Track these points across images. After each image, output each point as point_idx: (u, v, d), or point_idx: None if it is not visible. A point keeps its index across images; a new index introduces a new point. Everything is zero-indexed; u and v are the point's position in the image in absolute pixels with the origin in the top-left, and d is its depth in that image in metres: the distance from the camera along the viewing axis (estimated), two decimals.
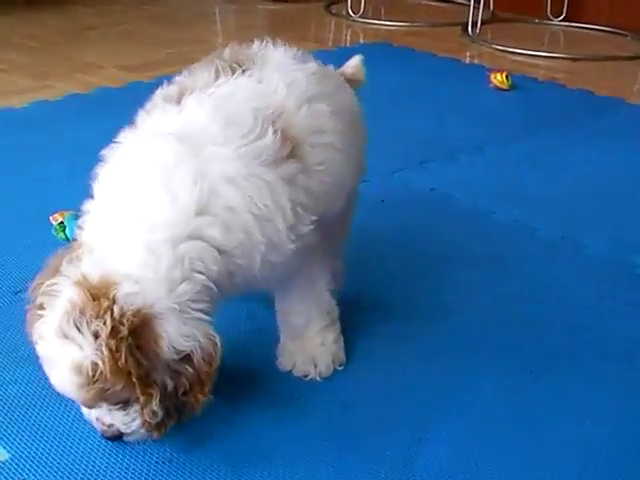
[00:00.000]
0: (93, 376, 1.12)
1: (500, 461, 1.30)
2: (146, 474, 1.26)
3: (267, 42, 1.43)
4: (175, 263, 1.16)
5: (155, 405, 1.15)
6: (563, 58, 3.54)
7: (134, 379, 1.13)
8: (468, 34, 3.81)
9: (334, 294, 1.49)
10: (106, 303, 1.12)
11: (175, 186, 1.18)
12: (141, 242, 1.16)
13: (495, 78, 3.04)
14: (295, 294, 1.43)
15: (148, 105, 1.33)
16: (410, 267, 1.85)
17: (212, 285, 1.20)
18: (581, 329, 1.64)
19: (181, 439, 1.30)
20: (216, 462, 1.28)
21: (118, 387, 1.14)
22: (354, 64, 1.63)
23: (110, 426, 1.23)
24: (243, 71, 1.33)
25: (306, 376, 1.46)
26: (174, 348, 1.14)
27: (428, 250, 1.93)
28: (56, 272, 1.18)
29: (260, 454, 1.30)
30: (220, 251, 1.20)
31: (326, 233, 1.39)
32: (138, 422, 1.20)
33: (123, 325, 1.11)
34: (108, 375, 1.11)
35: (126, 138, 1.27)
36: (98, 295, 1.12)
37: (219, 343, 1.18)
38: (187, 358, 1.16)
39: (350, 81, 1.58)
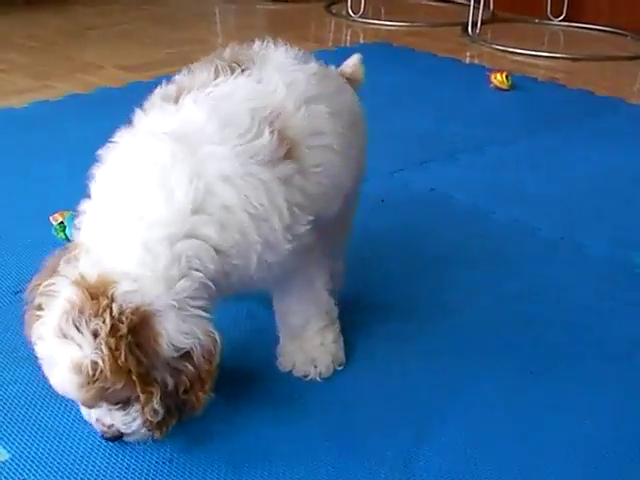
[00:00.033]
0: (93, 375, 1.11)
1: (500, 461, 1.30)
2: (146, 474, 1.26)
3: (268, 42, 1.42)
4: (172, 261, 1.16)
5: (156, 403, 1.15)
6: (563, 58, 3.54)
7: (134, 377, 1.12)
8: (468, 34, 3.81)
9: (333, 294, 1.49)
10: (105, 301, 1.12)
11: (171, 185, 1.18)
12: (138, 241, 1.16)
13: (495, 78, 3.04)
14: (293, 294, 1.42)
15: (146, 104, 1.33)
16: (410, 267, 1.85)
17: (210, 283, 1.20)
18: (581, 329, 1.64)
19: (181, 439, 1.30)
20: (216, 462, 1.28)
21: (118, 386, 1.13)
22: (353, 63, 1.63)
23: (110, 427, 1.22)
24: (242, 71, 1.33)
25: (306, 376, 1.46)
26: (173, 345, 1.14)
27: (428, 250, 1.93)
28: (54, 273, 1.18)
29: (260, 454, 1.30)
30: (216, 250, 1.20)
31: (324, 233, 1.39)
32: (138, 422, 1.20)
33: (122, 323, 1.11)
34: (108, 374, 1.11)
35: (122, 138, 1.27)
36: (97, 294, 1.12)
37: (219, 340, 1.18)
38: (187, 356, 1.16)
39: (349, 80, 1.58)
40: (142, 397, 1.15)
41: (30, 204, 2.06)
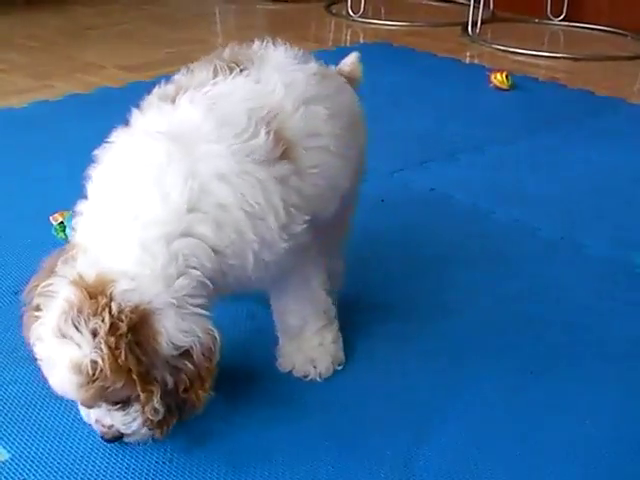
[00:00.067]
0: (93, 374, 1.11)
1: (500, 461, 1.30)
2: (146, 474, 1.26)
3: (267, 42, 1.42)
4: (170, 260, 1.16)
5: (156, 402, 1.15)
6: (563, 58, 3.54)
7: (134, 376, 1.12)
8: (468, 34, 3.81)
9: (332, 293, 1.49)
10: (104, 300, 1.12)
11: (166, 184, 1.18)
12: (135, 240, 1.16)
13: (495, 78, 3.04)
14: (290, 293, 1.42)
15: (143, 104, 1.33)
16: (410, 267, 1.85)
17: (207, 282, 1.20)
18: (581, 329, 1.64)
19: (181, 439, 1.30)
20: (216, 462, 1.28)
21: (118, 385, 1.13)
22: (351, 61, 1.62)
23: (110, 427, 1.22)
24: (241, 71, 1.33)
25: (306, 377, 1.46)
26: (173, 344, 1.14)
27: (428, 250, 1.93)
28: (51, 273, 1.18)
29: (260, 454, 1.30)
30: (213, 249, 1.20)
31: (322, 233, 1.39)
32: (139, 422, 1.20)
33: (122, 322, 1.11)
34: (108, 373, 1.11)
35: (118, 138, 1.27)
36: (95, 293, 1.12)
37: (218, 338, 1.18)
38: (186, 354, 1.16)
39: (348, 79, 1.58)
40: (142, 396, 1.15)
41: (30, 204, 2.06)
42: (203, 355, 1.17)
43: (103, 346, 1.10)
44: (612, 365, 1.53)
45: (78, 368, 1.11)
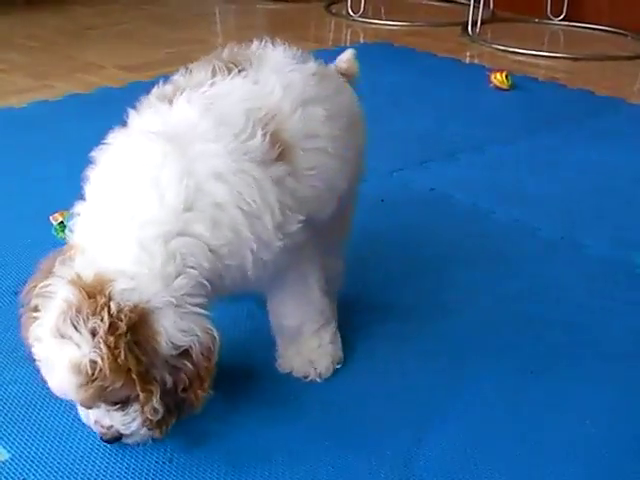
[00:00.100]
0: (92, 374, 1.11)
1: (500, 461, 1.30)
2: (146, 474, 1.26)
3: (266, 42, 1.42)
4: (168, 259, 1.16)
5: (156, 402, 1.15)
6: (563, 58, 3.54)
7: (134, 376, 1.12)
8: (468, 34, 3.81)
9: (329, 294, 1.48)
10: (102, 300, 1.12)
11: (162, 184, 1.18)
12: (133, 240, 1.16)
13: (495, 78, 3.04)
14: (287, 294, 1.41)
15: (140, 104, 1.33)
16: (410, 267, 1.85)
17: (205, 282, 1.20)
18: (581, 329, 1.64)
19: (181, 439, 1.30)
20: (216, 462, 1.28)
21: (118, 385, 1.13)
22: (347, 58, 1.62)
23: (109, 428, 1.22)
24: (239, 71, 1.33)
25: (306, 377, 1.46)
26: (172, 343, 1.14)
27: (428, 250, 1.93)
28: (49, 274, 1.18)
29: (260, 454, 1.30)
30: (210, 249, 1.20)
31: (321, 232, 1.39)
32: (138, 422, 1.20)
33: (121, 321, 1.11)
34: (107, 373, 1.11)
35: (115, 139, 1.27)
36: (94, 293, 1.12)
37: (217, 337, 1.18)
38: (185, 353, 1.16)
39: (345, 75, 1.57)
40: (142, 396, 1.15)
41: (30, 204, 2.06)
42: (202, 355, 1.17)
43: (102, 346, 1.10)
44: (612, 365, 1.53)
45: (77, 368, 1.11)
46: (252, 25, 4.08)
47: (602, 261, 1.89)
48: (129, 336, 1.11)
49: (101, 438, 1.25)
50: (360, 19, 4.05)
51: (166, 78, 1.39)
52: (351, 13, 4.09)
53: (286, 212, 1.26)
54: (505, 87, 3.03)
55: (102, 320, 1.11)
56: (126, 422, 1.20)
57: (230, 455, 1.30)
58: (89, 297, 1.12)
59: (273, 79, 1.33)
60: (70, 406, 1.34)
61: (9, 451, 1.29)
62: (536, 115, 2.85)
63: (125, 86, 2.97)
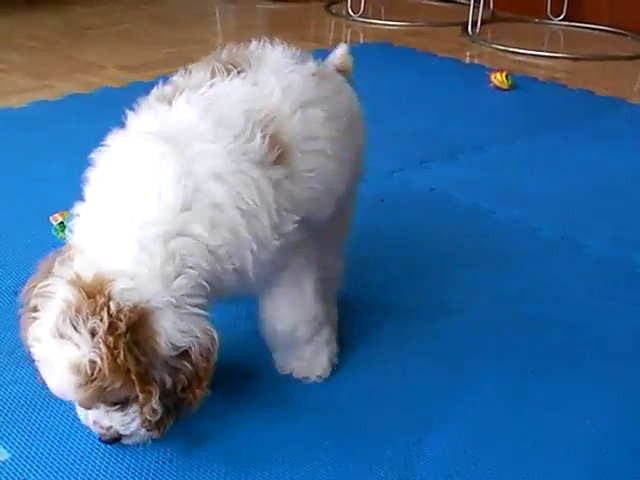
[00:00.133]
0: (91, 374, 1.11)
1: (500, 461, 1.30)
2: (146, 474, 1.26)
3: (265, 42, 1.42)
4: (168, 259, 1.16)
5: (155, 403, 1.15)
6: (563, 58, 3.54)
7: (133, 376, 1.12)
8: (468, 34, 3.81)
9: (327, 297, 1.47)
10: (102, 300, 1.11)
11: (160, 184, 1.18)
12: (132, 240, 1.16)
13: (495, 78, 3.04)
14: (281, 297, 1.38)
15: (139, 105, 1.33)
16: (409, 267, 1.85)
17: (204, 283, 1.20)
18: (581, 329, 1.64)
19: (181, 439, 1.30)
20: (216, 462, 1.28)
21: (117, 385, 1.13)
22: (341, 54, 1.60)
23: (109, 429, 1.22)
24: (238, 72, 1.33)
25: (306, 379, 1.46)
26: (172, 344, 1.14)
27: (428, 250, 1.93)
28: (48, 274, 1.18)
29: (261, 454, 1.30)
30: (209, 250, 1.20)
31: (319, 233, 1.39)
32: (137, 422, 1.20)
33: (121, 321, 1.11)
34: (107, 373, 1.11)
35: (114, 140, 1.27)
36: (93, 293, 1.12)
37: (217, 338, 1.18)
38: (185, 354, 1.16)
39: (339, 71, 1.57)
40: (141, 396, 1.15)
41: (30, 204, 2.06)
42: (201, 355, 1.16)
43: (102, 346, 1.10)
44: (612, 365, 1.53)
45: (77, 368, 1.11)
46: (252, 25, 4.08)
47: (602, 261, 1.89)
48: (128, 336, 1.11)
49: (100, 439, 1.25)
50: (360, 19, 4.05)
51: (166, 78, 1.38)
52: (351, 13, 4.09)
53: (282, 213, 1.26)
54: (505, 87, 3.03)
55: (101, 320, 1.10)
56: (125, 423, 1.20)
57: (230, 455, 1.30)
58: (88, 297, 1.12)
59: (272, 80, 1.32)
60: (70, 406, 1.33)
61: (9, 451, 1.29)
62: (536, 115, 2.85)
63: (125, 86, 2.97)
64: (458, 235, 2.00)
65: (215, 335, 1.18)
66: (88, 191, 1.25)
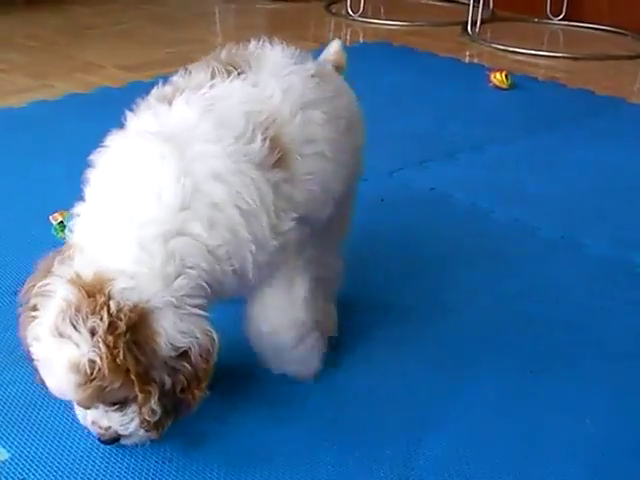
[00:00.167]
0: (91, 374, 1.11)
1: (500, 460, 1.30)
2: (146, 473, 1.26)
3: (264, 42, 1.42)
4: (168, 259, 1.16)
5: (154, 403, 1.15)
6: (563, 57, 3.54)
7: (132, 376, 1.12)
8: (468, 33, 3.81)
9: (325, 296, 1.47)
10: (102, 299, 1.11)
11: (159, 184, 1.18)
12: (132, 239, 1.16)
13: (495, 77, 3.04)
14: (271, 298, 1.34)
15: (139, 106, 1.33)
16: (409, 266, 1.85)
17: (204, 284, 1.20)
18: (581, 328, 1.64)
19: (181, 439, 1.30)
20: (216, 462, 1.28)
21: (116, 385, 1.13)
22: (335, 50, 1.60)
23: (107, 429, 1.22)
24: (238, 74, 1.33)
25: (299, 378, 1.44)
26: (171, 345, 1.14)
27: (427, 249, 1.93)
28: (48, 273, 1.18)
29: (261, 454, 1.30)
30: (208, 250, 1.19)
31: (318, 232, 1.39)
32: (136, 423, 1.20)
33: (121, 320, 1.10)
34: (106, 372, 1.11)
35: (114, 141, 1.27)
36: (93, 292, 1.12)
37: (216, 339, 1.18)
38: (184, 355, 1.16)
39: (335, 68, 1.56)
40: (140, 397, 1.14)
41: (29, 204, 2.06)
42: (201, 356, 1.16)
43: (101, 345, 1.10)
44: (612, 364, 1.53)
45: (76, 367, 1.11)
46: (252, 25, 4.08)
47: (602, 261, 1.89)
48: (128, 336, 1.11)
49: (99, 439, 1.24)
50: (360, 19, 4.05)
51: (166, 78, 1.38)
52: (351, 13, 4.08)
53: (280, 214, 1.26)
54: (505, 87, 3.03)
55: (101, 319, 1.10)
56: (124, 423, 1.20)
57: (230, 455, 1.30)
58: (88, 296, 1.12)
59: (272, 82, 1.32)
60: (70, 406, 1.33)
61: (9, 451, 1.29)
62: (536, 115, 2.85)
63: (125, 86, 2.97)
64: (458, 235, 2.00)
65: (215, 336, 1.18)
66: (88, 191, 1.25)
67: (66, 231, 1.25)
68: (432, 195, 2.21)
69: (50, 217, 1.89)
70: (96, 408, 1.20)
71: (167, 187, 1.18)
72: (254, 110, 1.28)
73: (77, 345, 1.11)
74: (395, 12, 4.16)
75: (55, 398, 1.21)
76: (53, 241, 1.78)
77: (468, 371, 1.51)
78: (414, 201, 2.16)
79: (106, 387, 1.13)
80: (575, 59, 3.51)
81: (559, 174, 2.37)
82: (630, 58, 3.54)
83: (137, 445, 1.26)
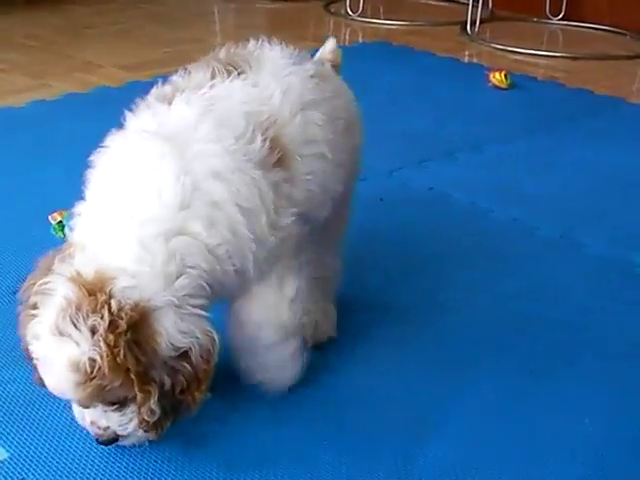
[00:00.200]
0: (91, 373, 1.10)
1: (499, 460, 1.30)
2: (145, 473, 1.26)
3: (263, 42, 1.42)
4: (169, 258, 1.16)
5: (153, 403, 1.15)
6: (562, 57, 3.54)
7: (132, 376, 1.12)
8: (467, 33, 3.81)
9: (322, 296, 1.47)
10: (103, 297, 1.11)
11: (159, 183, 1.18)
12: (133, 238, 1.15)
13: (494, 77, 3.04)
14: (257, 291, 1.31)
15: (139, 105, 1.33)
16: (408, 266, 1.85)
17: (205, 284, 1.20)
18: (580, 328, 1.64)
19: (180, 439, 1.30)
20: (216, 462, 1.28)
21: (116, 384, 1.13)
22: (331, 48, 1.60)
23: (106, 429, 1.21)
24: (238, 74, 1.33)
25: (269, 391, 1.38)
26: (172, 345, 1.14)
27: (426, 249, 1.93)
28: (48, 272, 1.17)
29: (261, 454, 1.30)
30: (208, 249, 1.19)
31: (317, 232, 1.39)
32: (134, 423, 1.19)
33: (122, 319, 1.10)
34: (106, 371, 1.10)
35: (114, 140, 1.27)
36: (94, 290, 1.12)
37: (217, 339, 1.18)
38: (185, 355, 1.15)
39: (332, 66, 1.56)
40: (139, 396, 1.14)
41: (29, 203, 2.06)
42: (201, 357, 1.16)
43: (102, 344, 1.10)
44: (611, 364, 1.54)
45: (76, 366, 1.10)
46: (251, 24, 4.08)
47: (600, 260, 1.89)
48: (129, 335, 1.11)
49: (96, 440, 1.24)
50: (359, 18, 4.05)
51: (165, 78, 1.38)
52: (350, 12, 4.08)
53: (280, 211, 1.26)
54: (504, 86, 3.03)
55: (102, 318, 1.10)
56: (123, 423, 1.20)
57: (229, 455, 1.30)
58: (89, 294, 1.11)
59: (272, 82, 1.32)
60: (69, 405, 1.33)
61: (8, 450, 1.29)
62: (535, 114, 2.85)
63: (123, 85, 2.97)
64: (456, 234, 2.00)
65: (215, 336, 1.18)
66: (89, 190, 1.25)
67: (66, 230, 1.25)
68: (431, 194, 2.21)
69: (49, 217, 1.89)
70: (95, 408, 1.19)
71: (167, 186, 1.18)
72: (254, 110, 1.28)
73: (77, 343, 1.10)
74: (394, 12, 4.16)
75: (54, 397, 1.21)
76: (52, 241, 1.78)
77: (467, 370, 1.51)
78: (413, 200, 2.16)
79: (106, 386, 1.13)
80: (574, 59, 3.51)
81: (558, 174, 2.37)
82: (629, 58, 3.54)
83: (135, 446, 1.26)
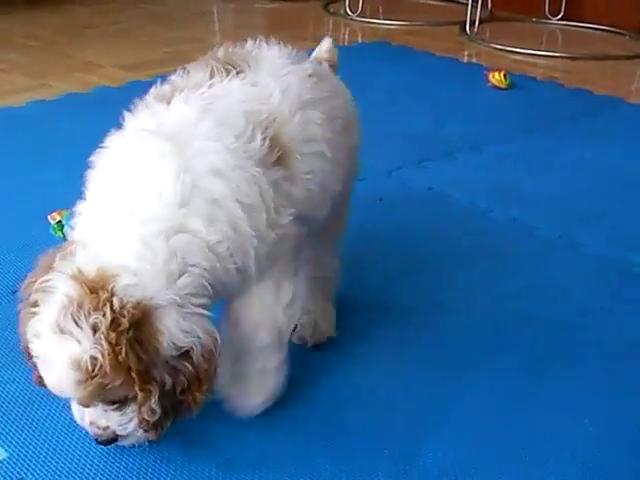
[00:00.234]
0: (92, 371, 1.10)
1: (499, 460, 1.30)
2: (144, 473, 1.26)
3: (261, 41, 1.42)
4: (170, 256, 1.16)
5: (153, 403, 1.14)
6: (561, 57, 3.54)
7: (133, 374, 1.11)
8: (466, 33, 3.81)
9: (323, 295, 1.47)
10: (105, 295, 1.10)
11: (159, 181, 1.18)
12: (134, 235, 1.15)
13: (493, 77, 3.04)
14: (254, 293, 1.31)
15: (138, 105, 1.33)
16: (407, 266, 1.85)
17: (206, 283, 1.20)
18: (579, 328, 1.64)
19: (179, 439, 1.30)
20: (215, 462, 1.28)
21: (117, 382, 1.12)
22: (327, 48, 1.59)
23: (105, 429, 1.21)
24: (237, 73, 1.33)
25: (237, 410, 1.34)
26: (174, 344, 1.13)
27: (425, 249, 1.93)
28: (49, 269, 1.17)
29: (259, 453, 1.30)
30: (208, 247, 1.19)
31: (315, 232, 1.39)
32: (134, 423, 1.19)
33: (124, 317, 1.10)
34: (107, 369, 1.10)
35: (114, 140, 1.27)
36: (96, 288, 1.11)
37: (219, 339, 1.18)
38: (186, 355, 1.15)
39: (330, 67, 1.56)
40: (140, 395, 1.14)
41: (28, 203, 2.06)
42: (203, 357, 1.15)
43: (103, 342, 1.09)
44: (610, 363, 1.54)
45: (77, 364, 1.10)
46: (250, 24, 4.08)
47: (599, 260, 1.89)
48: (131, 333, 1.10)
49: (96, 440, 1.23)
50: (358, 18, 4.05)
51: (164, 77, 1.38)
52: (349, 12, 4.09)
53: (280, 209, 1.26)
54: (503, 86, 3.03)
55: (104, 316, 1.09)
56: (122, 423, 1.19)
57: (229, 455, 1.30)
58: (91, 292, 1.11)
59: (271, 81, 1.32)
60: (69, 405, 1.33)
61: (7, 450, 1.29)
62: (534, 114, 2.85)
63: (123, 85, 2.97)
64: (456, 234, 2.00)
65: (217, 336, 1.17)
66: (89, 189, 1.24)
67: (65, 229, 1.25)
68: (430, 194, 2.21)
69: (48, 216, 1.89)
70: (95, 407, 1.19)
71: (167, 184, 1.18)
72: (254, 109, 1.28)
73: (78, 341, 1.10)
74: (393, 12, 4.16)
75: (54, 396, 1.21)
76: (52, 241, 1.77)
77: (467, 370, 1.51)
78: (412, 200, 2.16)
79: (107, 385, 1.12)
80: (573, 59, 3.52)
81: (557, 174, 2.37)
82: (628, 58, 3.54)
83: (134, 446, 1.26)
